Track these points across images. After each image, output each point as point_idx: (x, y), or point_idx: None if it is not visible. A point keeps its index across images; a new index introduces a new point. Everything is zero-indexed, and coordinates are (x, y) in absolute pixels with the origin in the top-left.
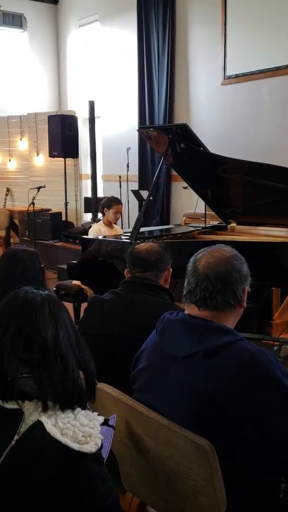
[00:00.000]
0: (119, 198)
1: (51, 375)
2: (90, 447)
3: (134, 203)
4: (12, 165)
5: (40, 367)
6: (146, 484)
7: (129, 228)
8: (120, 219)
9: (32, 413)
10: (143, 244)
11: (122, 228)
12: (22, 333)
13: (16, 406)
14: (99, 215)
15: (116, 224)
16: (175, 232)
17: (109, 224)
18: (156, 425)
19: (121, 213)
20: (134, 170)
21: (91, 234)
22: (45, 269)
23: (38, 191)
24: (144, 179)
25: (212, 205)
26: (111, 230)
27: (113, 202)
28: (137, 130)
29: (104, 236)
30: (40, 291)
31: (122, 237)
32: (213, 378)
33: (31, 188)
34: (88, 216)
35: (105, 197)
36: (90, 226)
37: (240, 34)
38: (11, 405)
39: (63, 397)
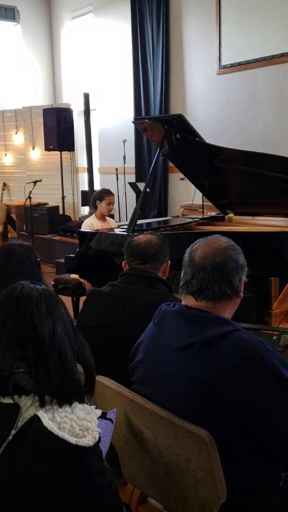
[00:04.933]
0: (116, 190)
1: (48, 371)
2: (87, 441)
3: (131, 195)
4: (8, 159)
5: (36, 363)
6: (146, 475)
7: (126, 220)
8: (117, 212)
9: (29, 407)
10: (142, 236)
11: (119, 221)
12: (18, 329)
13: (12, 401)
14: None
15: (109, 216)
16: (173, 224)
17: (101, 217)
18: (155, 417)
19: (113, 203)
20: (131, 162)
21: (83, 229)
22: (43, 263)
23: (34, 185)
24: (141, 171)
25: (210, 196)
26: (104, 223)
27: (104, 194)
28: (133, 122)
29: (97, 230)
30: (37, 286)
31: (118, 229)
32: (211, 368)
33: (27, 182)
34: (85, 210)
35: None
36: None
37: (235, 23)
38: (8, 400)
39: (61, 392)
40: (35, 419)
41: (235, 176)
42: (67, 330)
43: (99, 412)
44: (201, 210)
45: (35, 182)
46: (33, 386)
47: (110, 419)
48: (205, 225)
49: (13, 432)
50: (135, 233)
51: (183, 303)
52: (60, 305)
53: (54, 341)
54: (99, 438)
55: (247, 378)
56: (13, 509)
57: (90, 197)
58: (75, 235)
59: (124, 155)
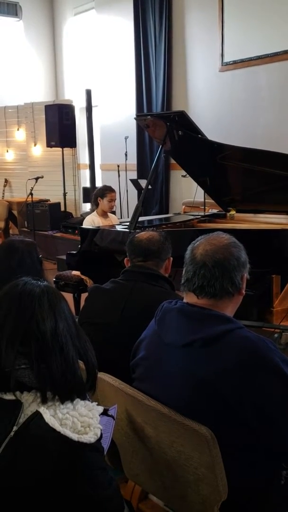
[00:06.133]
0: (118, 187)
1: (50, 367)
2: (89, 437)
3: (133, 192)
4: (10, 155)
5: (38, 359)
6: (147, 472)
7: (128, 217)
8: (118, 209)
9: (31, 404)
10: (143, 233)
11: (120, 218)
12: (20, 326)
13: (14, 397)
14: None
15: (110, 213)
16: (174, 221)
17: (103, 214)
18: (156, 414)
19: (115, 200)
20: (133, 159)
21: (85, 226)
22: (44, 259)
23: (36, 181)
24: (142, 168)
25: (211, 193)
26: (106, 220)
27: (106, 191)
28: (135, 118)
29: (98, 227)
30: (39, 282)
31: (120, 226)
32: (213, 366)
33: (29, 179)
34: (87, 206)
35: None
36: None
37: (237, 20)
38: (9, 396)
39: (62, 389)
40: (37, 415)
41: (237, 174)
42: (69, 327)
43: (100, 408)
44: (203, 207)
45: (36, 179)
46: (34, 382)
47: (111, 416)
48: (207, 223)
49: (14, 428)
50: (137, 230)
51: (184, 300)
52: (62, 302)
53: (56, 338)
54: (101, 434)
55: (248, 376)
56: (14, 505)
57: (92, 194)
58: (76, 231)
59: (126, 151)
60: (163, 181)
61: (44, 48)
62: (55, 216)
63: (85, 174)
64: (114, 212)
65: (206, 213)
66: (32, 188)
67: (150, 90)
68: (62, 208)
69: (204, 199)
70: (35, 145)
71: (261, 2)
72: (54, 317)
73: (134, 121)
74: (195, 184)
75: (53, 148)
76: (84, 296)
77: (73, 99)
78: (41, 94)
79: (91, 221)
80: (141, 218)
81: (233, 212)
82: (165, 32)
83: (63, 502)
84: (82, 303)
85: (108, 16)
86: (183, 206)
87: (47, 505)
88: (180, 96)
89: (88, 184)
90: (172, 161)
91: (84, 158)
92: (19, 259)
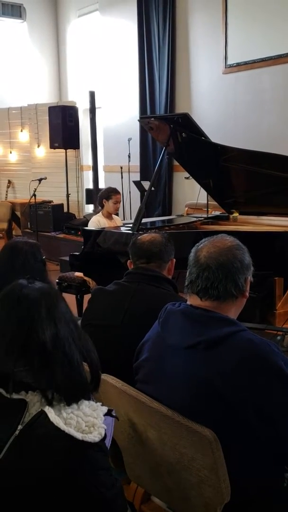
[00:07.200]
0: (121, 189)
1: (54, 373)
2: (93, 437)
3: (136, 194)
4: (13, 157)
5: (41, 367)
6: (150, 474)
7: (130, 219)
8: (121, 210)
9: (36, 403)
10: (146, 235)
11: (123, 219)
12: (19, 335)
13: (19, 396)
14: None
15: (115, 214)
16: (177, 223)
17: (108, 216)
18: (159, 416)
19: (120, 202)
20: (136, 161)
21: (90, 226)
22: (47, 261)
23: (39, 183)
24: (145, 170)
25: (214, 195)
26: (111, 221)
27: (111, 193)
28: (138, 120)
29: (103, 228)
30: (35, 285)
31: (123, 228)
32: (215, 368)
33: (32, 180)
34: (89, 208)
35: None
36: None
37: (241, 22)
38: (15, 395)
39: (68, 391)
40: (42, 414)
41: (240, 176)
42: (70, 330)
43: (105, 409)
44: (206, 209)
45: (40, 180)
46: (38, 384)
47: (115, 417)
48: (209, 225)
49: (19, 427)
50: (139, 232)
51: (188, 302)
52: (61, 303)
53: (58, 344)
54: (105, 434)
55: (251, 379)
56: (18, 503)
57: (95, 195)
58: (79, 233)
59: (129, 153)
60: (166, 183)
61: (48, 49)
62: (58, 217)
63: (88, 175)
64: (117, 214)
65: (209, 215)
66: (35, 189)
67: (153, 92)
68: (65, 210)
69: (207, 201)
70: (38, 146)
71: (264, 4)
72: (54, 323)
73: (137, 122)
74: (198, 186)
75: (57, 150)
76: (86, 297)
77: (76, 100)
78: (45, 96)
79: (97, 222)
80: (144, 220)
81: (236, 214)
82: (168, 34)
83: (66, 501)
84: (85, 304)
85: (111, 18)
86: (186, 208)
87: (50, 503)
88: (183, 98)
89: (91, 186)
90: (175, 163)
91: (87, 160)
92: (23, 260)
